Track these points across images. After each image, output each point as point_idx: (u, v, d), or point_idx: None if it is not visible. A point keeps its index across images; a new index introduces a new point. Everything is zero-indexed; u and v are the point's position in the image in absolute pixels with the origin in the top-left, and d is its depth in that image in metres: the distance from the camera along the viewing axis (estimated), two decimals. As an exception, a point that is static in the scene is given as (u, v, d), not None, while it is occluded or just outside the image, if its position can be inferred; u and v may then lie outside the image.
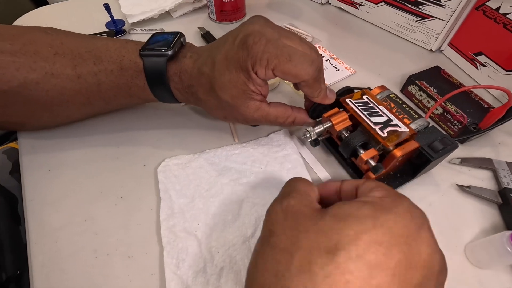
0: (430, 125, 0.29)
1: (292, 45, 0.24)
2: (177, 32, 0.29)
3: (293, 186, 0.21)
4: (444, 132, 0.34)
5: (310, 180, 0.30)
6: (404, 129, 0.26)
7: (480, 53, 0.39)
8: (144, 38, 0.28)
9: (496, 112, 0.29)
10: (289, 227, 0.17)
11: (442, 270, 0.16)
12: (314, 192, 0.21)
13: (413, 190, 0.29)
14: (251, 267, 0.18)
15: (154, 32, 0.49)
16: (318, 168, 0.31)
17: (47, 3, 0.58)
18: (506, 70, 0.36)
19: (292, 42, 0.24)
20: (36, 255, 0.26)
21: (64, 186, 0.30)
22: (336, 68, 0.43)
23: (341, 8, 0.53)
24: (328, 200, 0.21)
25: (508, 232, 0.22)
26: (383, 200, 0.17)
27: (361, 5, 0.49)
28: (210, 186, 0.29)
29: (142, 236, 0.26)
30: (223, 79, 0.26)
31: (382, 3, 0.46)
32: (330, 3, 0.54)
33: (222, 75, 0.26)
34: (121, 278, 0.24)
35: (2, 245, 0.37)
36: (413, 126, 0.28)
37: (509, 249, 0.22)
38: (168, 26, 0.50)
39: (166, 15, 0.51)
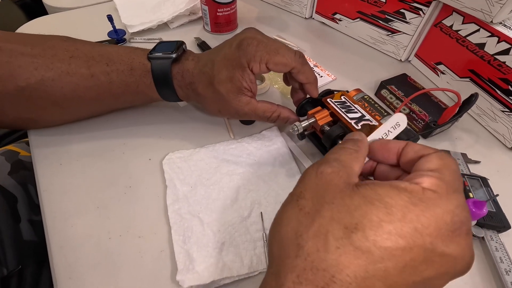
0: (397, 122, 0.34)
1: (278, 43, 0.30)
2: (180, 41, 0.34)
3: (337, 153, 0.20)
4: (410, 128, 0.40)
5: (297, 170, 0.34)
6: (375, 122, 0.31)
7: (440, 63, 0.45)
8: (143, 46, 0.32)
9: (450, 110, 0.35)
10: (318, 195, 0.18)
11: (462, 272, 0.16)
12: (358, 163, 0.20)
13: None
14: (278, 219, 0.19)
15: (152, 41, 0.53)
16: (304, 160, 0.36)
17: (40, 15, 0.59)
18: (460, 77, 0.42)
19: (276, 42, 0.31)
20: (53, 238, 0.28)
21: (75, 178, 0.33)
22: (319, 74, 0.48)
23: (323, 23, 0.59)
24: (382, 159, 0.21)
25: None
26: (426, 193, 0.16)
27: (340, 20, 0.56)
28: (210, 176, 0.33)
29: (151, 219, 0.30)
30: (221, 75, 0.31)
31: (358, 19, 0.52)
32: (313, 18, 0.61)
33: (220, 72, 0.31)
34: (133, 255, 0.27)
35: (3, 242, 0.39)
36: (382, 121, 0.34)
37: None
38: (166, 36, 0.54)
39: (163, 26, 0.55)
